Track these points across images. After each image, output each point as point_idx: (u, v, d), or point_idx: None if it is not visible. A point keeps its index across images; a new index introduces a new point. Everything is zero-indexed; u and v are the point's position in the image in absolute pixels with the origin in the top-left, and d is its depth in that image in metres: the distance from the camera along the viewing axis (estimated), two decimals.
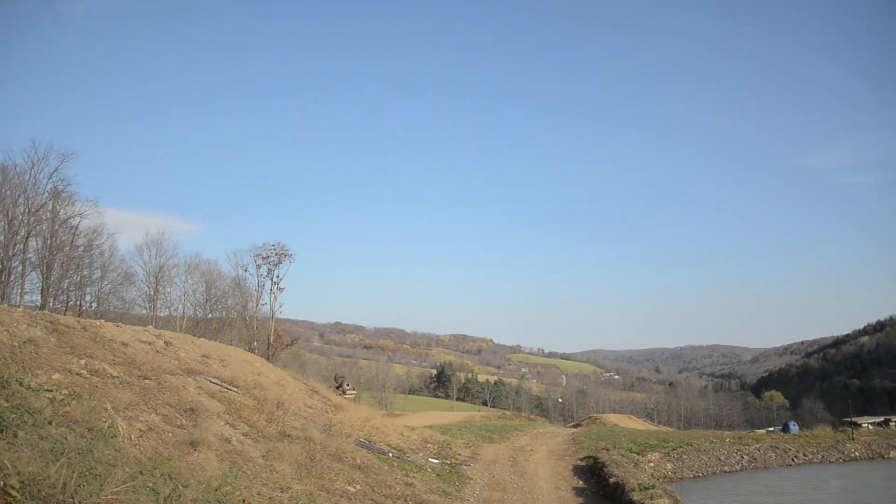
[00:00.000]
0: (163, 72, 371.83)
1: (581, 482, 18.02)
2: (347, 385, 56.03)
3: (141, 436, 9.28)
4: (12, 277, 49.63)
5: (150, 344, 14.95)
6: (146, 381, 11.44)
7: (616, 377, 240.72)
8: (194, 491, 7.71)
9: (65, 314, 52.00)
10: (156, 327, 62.75)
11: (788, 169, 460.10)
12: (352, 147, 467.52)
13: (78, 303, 58.07)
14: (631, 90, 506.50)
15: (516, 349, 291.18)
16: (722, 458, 24.45)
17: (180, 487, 7.61)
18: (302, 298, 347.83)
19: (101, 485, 6.07)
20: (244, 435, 11.93)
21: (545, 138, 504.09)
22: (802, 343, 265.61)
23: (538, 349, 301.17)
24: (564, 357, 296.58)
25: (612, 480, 16.02)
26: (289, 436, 13.10)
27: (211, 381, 14.45)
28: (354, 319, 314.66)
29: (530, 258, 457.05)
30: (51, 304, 51.68)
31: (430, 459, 18.79)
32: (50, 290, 51.40)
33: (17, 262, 49.41)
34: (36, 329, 11.70)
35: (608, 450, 20.74)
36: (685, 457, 23.52)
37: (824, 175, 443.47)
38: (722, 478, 22.95)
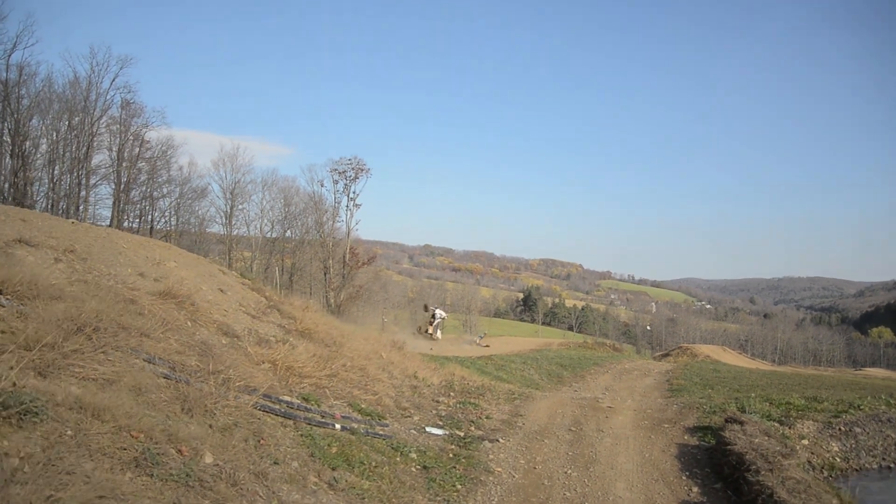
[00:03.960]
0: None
1: (695, 488, 9.06)
2: (435, 316, 47.68)
3: None
4: (82, 192, 45.65)
5: None
6: None
7: (708, 307, 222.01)
8: None
9: (137, 230, 47.91)
10: (231, 245, 57.95)
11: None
12: (447, 75, 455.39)
13: (150, 217, 54.03)
14: None
15: (606, 275, 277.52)
16: None
17: None
18: (394, 221, 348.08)
19: None
20: None
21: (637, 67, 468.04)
22: None
23: (628, 276, 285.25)
24: (655, 284, 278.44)
25: None
26: (23, 404, 5.06)
27: None
28: (444, 242, 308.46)
29: (623, 183, 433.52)
30: (122, 218, 47.76)
31: (427, 429, 10.27)
32: (119, 202, 47.23)
33: (83, 174, 45.37)
34: None
35: (742, 423, 11.20)
36: (858, 430, 13.71)
37: None
38: None
